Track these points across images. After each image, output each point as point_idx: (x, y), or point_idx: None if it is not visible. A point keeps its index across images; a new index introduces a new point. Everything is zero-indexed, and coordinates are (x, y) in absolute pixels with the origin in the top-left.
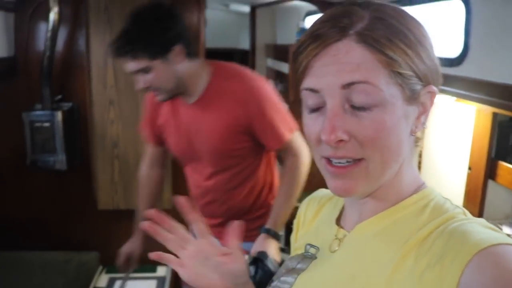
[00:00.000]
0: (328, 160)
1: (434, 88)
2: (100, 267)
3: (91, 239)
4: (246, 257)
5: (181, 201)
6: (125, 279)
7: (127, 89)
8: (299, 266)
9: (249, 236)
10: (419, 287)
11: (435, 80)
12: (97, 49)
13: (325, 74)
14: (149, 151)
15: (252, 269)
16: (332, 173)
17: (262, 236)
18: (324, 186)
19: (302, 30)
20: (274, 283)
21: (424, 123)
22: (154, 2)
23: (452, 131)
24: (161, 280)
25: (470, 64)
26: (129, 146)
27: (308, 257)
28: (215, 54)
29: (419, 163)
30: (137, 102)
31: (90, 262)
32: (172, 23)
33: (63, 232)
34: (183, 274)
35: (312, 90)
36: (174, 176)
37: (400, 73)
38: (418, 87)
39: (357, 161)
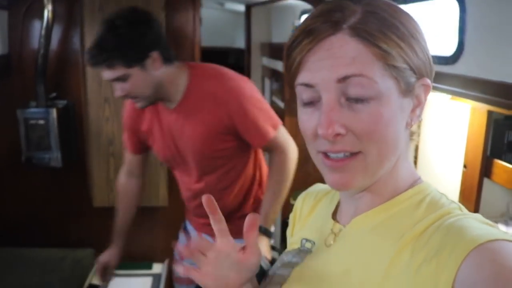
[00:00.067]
0: (325, 154)
1: (428, 81)
2: (96, 264)
3: (87, 236)
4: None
5: (209, 201)
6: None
7: None
8: (294, 260)
9: (241, 232)
10: (415, 281)
11: (428, 73)
12: None
13: (320, 69)
14: (128, 159)
15: None
16: (329, 167)
17: None
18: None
19: None
20: (269, 277)
21: (419, 116)
22: (129, 7)
23: (447, 129)
24: (156, 277)
25: (465, 62)
26: None
27: (303, 251)
28: (210, 53)
29: (415, 159)
30: None
31: (85, 259)
32: (148, 29)
33: (58, 229)
34: (207, 283)
35: (307, 85)
36: (170, 174)
37: (394, 66)
38: (413, 79)
39: (355, 154)
